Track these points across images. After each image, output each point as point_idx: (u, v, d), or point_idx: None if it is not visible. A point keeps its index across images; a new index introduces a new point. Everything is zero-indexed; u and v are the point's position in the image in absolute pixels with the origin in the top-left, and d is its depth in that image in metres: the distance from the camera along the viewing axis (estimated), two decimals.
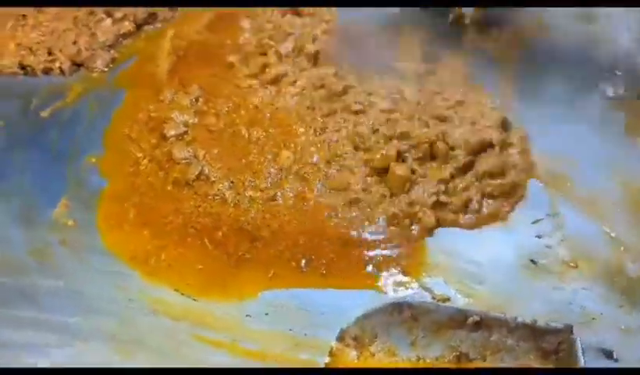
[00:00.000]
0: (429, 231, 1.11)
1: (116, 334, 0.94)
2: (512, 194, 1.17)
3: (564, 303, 1.00)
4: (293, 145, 1.21)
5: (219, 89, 1.32)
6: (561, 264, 1.06)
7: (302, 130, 1.24)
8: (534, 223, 1.13)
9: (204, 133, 1.24)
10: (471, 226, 1.12)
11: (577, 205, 1.15)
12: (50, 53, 1.39)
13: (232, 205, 1.11)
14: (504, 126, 1.27)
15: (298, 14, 1.51)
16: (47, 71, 1.38)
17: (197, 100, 1.30)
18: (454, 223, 1.13)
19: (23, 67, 1.38)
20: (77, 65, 1.40)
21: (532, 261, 1.07)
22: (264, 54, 1.39)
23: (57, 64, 1.38)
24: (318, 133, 1.23)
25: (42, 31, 1.43)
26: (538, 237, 1.10)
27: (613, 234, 1.10)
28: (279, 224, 1.09)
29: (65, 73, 1.38)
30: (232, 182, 1.14)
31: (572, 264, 1.06)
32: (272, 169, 1.16)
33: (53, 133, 1.26)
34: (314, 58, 1.37)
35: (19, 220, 1.09)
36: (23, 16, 1.45)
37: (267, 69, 1.35)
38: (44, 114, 1.29)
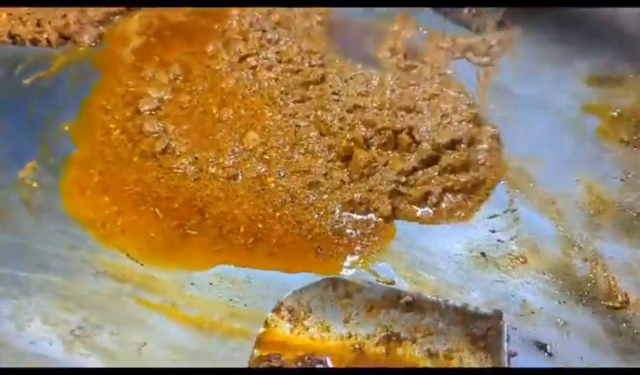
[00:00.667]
0: (385, 219, 1.12)
1: (61, 291, 0.97)
2: (474, 191, 1.18)
3: (506, 295, 1.01)
4: (260, 128, 1.22)
5: (197, 69, 1.35)
6: (510, 258, 1.06)
7: (271, 114, 1.25)
8: (490, 218, 1.13)
9: (176, 109, 1.26)
10: (428, 221, 1.13)
11: (537, 203, 1.15)
12: (39, 24, 1.43)
13: (192, 179, 1.14)
14: (476, 122, 1.28)
15: None
16: (35, 42, 1.42)
17: (175, 78, 1.33)
18: (411, 215, 1.13)
19: (12, 36, 1.42)
20: (65, 38, 1.44)
21: (482, 254, 1.07)
22: (245, 40, 1.42)
23: (45, 35, 1.42)
24: (286, 118, 1.25)
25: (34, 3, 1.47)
26: (492, 231, 1.11)
27: (567, 234, 1.10)
28: (236, 203, 1.11)
29: (52, 45, 1.42)
30: (195, 158, 1.17)
31: (521, 259, 1.06)
32: (236, 149, 1.18)
33: (33, 100, 1.29)
34: (298, 47, 1.39)
35: None
36: None
37: (246, 56, 1.38)
38: (27, 81, 1.33)
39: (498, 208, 1.15)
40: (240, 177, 1.14)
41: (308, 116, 1.25)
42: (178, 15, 1.51)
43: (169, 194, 1.11)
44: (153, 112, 1.26)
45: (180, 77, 1.34)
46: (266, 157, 1.17)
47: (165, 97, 1.29)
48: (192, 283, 1.00)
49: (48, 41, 1.42)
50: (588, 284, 1.02)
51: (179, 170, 1.15)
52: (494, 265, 1.06)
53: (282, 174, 1.15)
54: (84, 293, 0.97)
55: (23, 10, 1.45)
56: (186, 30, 1.48)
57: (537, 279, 1.03)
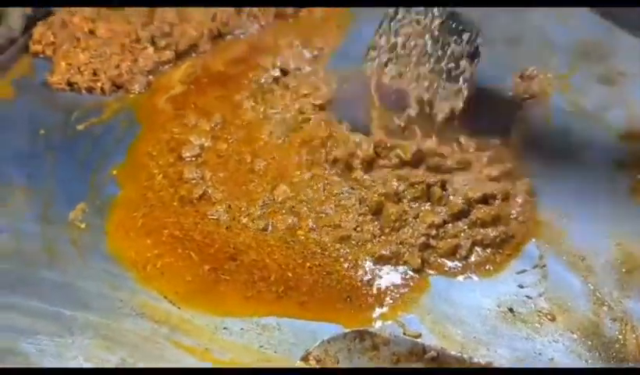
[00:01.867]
0: (415, 272, 1.14)
1: (102, 330, 1.02)
2: (505, 245, 1.19)
3: (533, 353, 1.01)
4: (291, 180, 1.27)
5: (235, 118, 1.42)
6: (538, 315, 1.07)
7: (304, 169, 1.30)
8: (519, 273, 1.14)
9: (214, 157, 1.33)
10: (457, 274, 1.15)
11: (566, 259, 1.16)
12: (94, 74, 1.54)
13: (224, 227, 1.19)
14: (511, 177, 1.30)
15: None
16: (90, 90, 1.52)
17: (215, 126, 1.40)
18: (440, 268, 1.16)
19: (69, 84, 1.52)
20: (117, 86, 1.54)
21: (510, 309, 1.08)
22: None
23: (99, 84, 1.52)
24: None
25: (91, 54, 1.57)
26: (521, 287, 1.12)
27: (597, 293, 1.10)
28: (266, 252, 1.15)
29: (105, 93, 1.52)
30: (229, 206, 1.22)
31: (549, 316, 1.06)
32: (267, 200, 1.23)
33: (85, 144, 1.38)
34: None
35: (39, 217, 1.20)
36: (77, 39, 1.61)
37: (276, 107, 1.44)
38: (80, 127, 1.42)
39: (527, 264, 1.16)
40: (270, 228, 1.19)
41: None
42: (217, 64, 1.60)
43: (205, 239, 1.17)
44: (193, 159, 1.33)
45: (219, 125, 1.40)
46: (296, 210, 1.21)
47: (206, 144, 1.36)
48: (224, 328, 1.04)
49: (102, 89, 1.52)
50: (617, 345, 1.02)
51: (214, 217, 1.21)
52: (522, 321, 1.06)
53: (312, 227, 1.19)
54: (124, 333, 1.02)
55: (82, 60, 1.55)
56: (218, 78, 1.56)
57: (565, 337, 1.03)
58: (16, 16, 1.72)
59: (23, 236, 1.17)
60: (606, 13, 1.76)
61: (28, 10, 1.76)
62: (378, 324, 1.05)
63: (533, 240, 1.19)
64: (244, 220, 1.20)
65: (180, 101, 1.48)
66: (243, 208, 1.22)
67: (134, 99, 1.51)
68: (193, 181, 1.27)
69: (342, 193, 1.24)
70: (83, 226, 1.20)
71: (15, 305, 1.05)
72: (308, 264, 1.13)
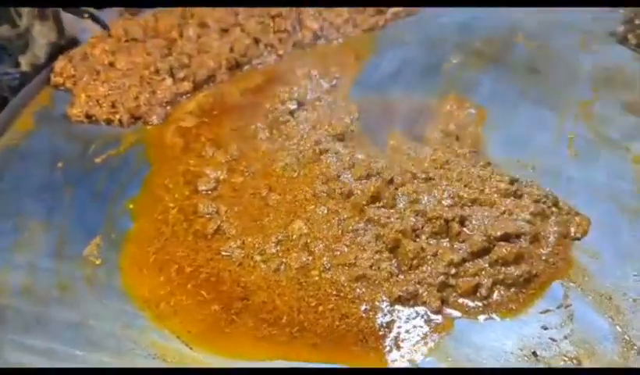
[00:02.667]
0: (434, 312, 1.10)
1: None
2: (527, 285, 1.15)
3: None
4: (306, 215, 1.25)
5: (250, 150, 1.41)
6: (563, 360, 1.02)
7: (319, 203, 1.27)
8: (542, 312, 1.10)
9: (230, 191, 1.32)
10: (478, 314, 1.11)
11: (592, 299, 1.11)
12: (113, 106, 1.55)
13: (237, 264, 1.17)
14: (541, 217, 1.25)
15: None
16: (108, 122, 1.53)
17: (231, 158, 1.39)
18: (460, 308, 1.12)
19: (88, 116, 1.54)
20: (135, 118, 1.54)
21: (534, 353, 1.03)
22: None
23: (117, 116, 1.53)
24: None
25: (110, 86, 1.59)
26: (544, 328, 1.07)
27: (625, 335, 1.05)
28: (276, 293, 1.12)
29: (123, 125, 1.53)
30: (243, 242, 1.20)
31: (575, 361, 1.02)
32: (281, 237, 1.21)
33: (102, 177, 1.38)
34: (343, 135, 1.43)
35: (53, 253, 1.20)
36: (97, 72, 1.63)
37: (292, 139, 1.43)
38: (98, 160, 1.43)
39: (551, 303, 1.11)
40: (283, 268, 1.16)
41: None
42: (233, 95, 1.60)
43: (217, 278, 1.15)
44: (209, 193, 1.32)
45: (235, 157, 1.39)
46: (310, 248, 1.18)
47: (222, 177, 1.35)
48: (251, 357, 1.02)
49: (120, 121, 1.53)
50: None
51: (227, 253, 1.19)
52: (546, 365, 1.02)
53: (326, 266, 1.16)
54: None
55: (101, 93, 1.57)
56: (240, 109, 1.55)
57: None
58: (42, 43, 1.76)
59: (37, 272, 1.17)
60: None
61: (53, 38, 1.79)
62: (394, 367, 1.02)
63: (558, 279, 1.15)
64: (257, 258, 1.18)
65: (196, 132, 1.48)
66: (257, 245, 1.20)
67: (151, 131, 1.52)
68: (208, 215, 1.26)
69: (357, 229, 1.21)
70: (98, 262, 1.19)
71: (27, 345, 1.04)
72: (321, 307, 1.10)
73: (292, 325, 1.08)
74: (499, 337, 1.06)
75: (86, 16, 1.81)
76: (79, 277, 1.16)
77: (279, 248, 1.19)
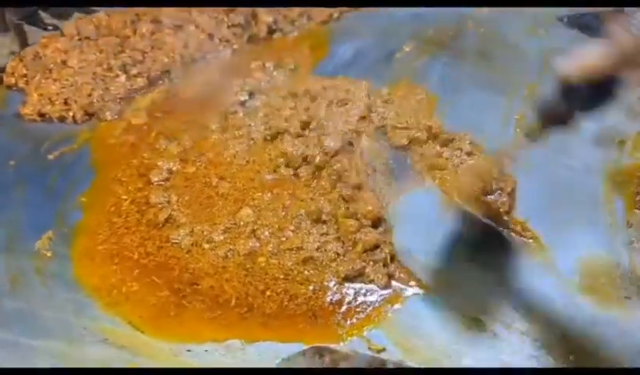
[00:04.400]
0: (381, 287, 1.13)
1: (63, 358, 1.01)
2: None
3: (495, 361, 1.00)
4: (254, 203, 1.27)
5: (203, 141, 1.43)
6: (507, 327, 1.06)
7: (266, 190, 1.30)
8: None
9: (182, 181, 1.33)
10: (424, 287, 1.14)
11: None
12: (66, 103, 1.55)
13: (185, 251, 1.19)
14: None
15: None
16: (61, 119, 1.53)
17: (184, 150, 1.40)
18: (406, 281, 1.14)
19: (41, 115, 1.53)
20: (89, 115, 1.54)
21: (476, 319, 1.07)
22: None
23: (71, 113, 1.53)
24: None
25: (63, 84, 1.59)
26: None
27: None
28: (225, 278, 1.14)
29: (77, 121, 1.53)
30: (192, 230, 1.22)
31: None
32: (229, 225, 1.23)
33: (55, 173, 1.38)
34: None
35: (4, 248, 1.20)
36: (49, 70, 1.63)
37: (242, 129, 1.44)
38: (51, 156, 1.43)
39: None
40: (231, 254, 1.18)
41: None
42: (187, 89, 1.61)
43: (168, 264, 1.17)
44: (161, 183, 1.33)
45: (187, 148, 1.41)
46: (259, 234, 1.21)
47: (174, 168, 1.36)
48: (188, 351, 1.03)
49: (73, 118, 1.53)
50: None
51: (177, 241, 1.20)
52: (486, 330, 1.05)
53: (274, 252, 1.18)
54: (86, 361, 1.01)
55: (53, 90, 1.57)
56: (193, 103, 1.56)
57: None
58: (4, 54, 1.75)
59: None
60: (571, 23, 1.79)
61: (15, 49, 1.78)
62: (342, 341, 1.04)
63: None
64: (206, 245, 1.20)
65: (148, 127, 1.49)
66: (205, 233, 1.21)
67: (105, 127, 1.52)
68: (160, 205, 1.27)
69: (301, 214, 1.23)
70: (49, 254, 1.20)
71: None
72: (269, 292, 1.12)
73: (241, 307, 1.10)
74: (445, 307, 1.09)
75: (50, 28, 1.81)
76: (29, 270, 1.16)
77: (226, 235, 1.21)
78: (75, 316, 1.08)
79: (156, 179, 1.34)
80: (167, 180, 1.34)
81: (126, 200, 1.30)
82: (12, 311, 1.09)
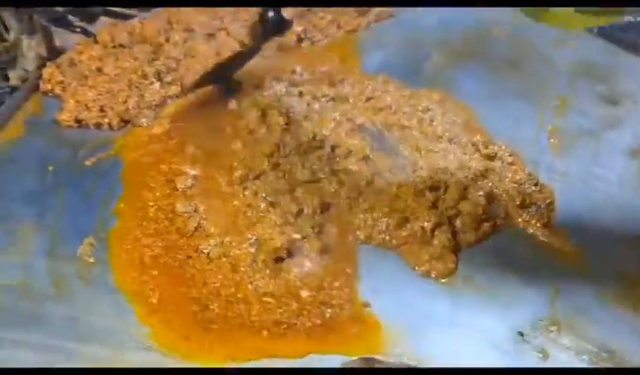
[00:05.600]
0: None
1: (107, 363, 1.03)
2: None
3: None
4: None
5: (224, 147, 1.45)
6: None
7: None
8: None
9: (208, 188, 1.35)
10: None
11: None
12: (102, 110, 1.57)
13: (214, 262, 1.21)
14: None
15: None
16: (98, 125, 1.55)
17: (208, 157, 1.42)
18: None
19: (78, 121, 1.56)
20: (125, 121, 1.57)
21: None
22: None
23: (106, 119, 1.55)
24: None
25: (99, 91, 1.61)
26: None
27: None
28: (255, 296, 1.16)
29: (113, 128, 1.55)
30: (220, 241, 1.23)
31: None
32: (258, 235, 1.24)
33: (93, 179, 1.40)
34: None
35: (47, 253, 1.22)
36: (85, 77, 1.65)
37: None
38: (89, 162, 1.45)
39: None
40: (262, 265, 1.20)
41: None
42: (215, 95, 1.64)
43: (197, 274, 1.19)
44: (186, 191, 1.35)
45: (212, 155, 1.43)
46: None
47: (199, 175, 1.38)
48: (233, 359, 1.05)
49: (109, 124, 1.55)
50: None
51: (204, 252, 1.22)
52: None
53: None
54: (131, 365, 1.03)
55: (89, 97, 1.59)
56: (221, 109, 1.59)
57: None
58: (31, 57, 1.78)
59: (31, 272, 1.18)
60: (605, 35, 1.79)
61: (42, 52, 1.82)
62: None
63: None
64: (234, 252, 1.22)
65: (174, 133, 1.51)
66: (234, 244, 1.23)
67: (140, 132, 1.54)
68: (187, 214, 1.29)
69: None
70: (91, 260, 1.21)
71: (22, 340, 1.06)
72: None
73: (280, 325, 1.11)
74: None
75: (77, 30, 1.84)
76: (72, 275, 1.18)
77: (256, 247, 1.22)
78: (119, 321, 1.10)
79: (182, 186, 1.36)
80: (192, 187, 1.36)
81: (153, 207, 1.32)
82: (56, 316, 1.11)
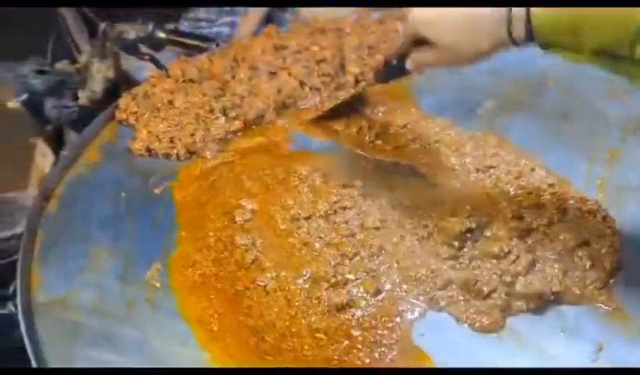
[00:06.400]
0: None
1: None
2: None
3: None
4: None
5: (289, 176, 1.56)
6: None
7: None
8: None
9: (264, 222, 1.43)
10: None
11: None
12: (171, 141, 1.69)
13: (271, 295, 1.28)
14: None
15: None
16: (167, 156, 1.67)
17: (265, 191, 1.52)
18: None
19: (149, 150, 1.68)
20: (191, 153, 1.68)
21: None
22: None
23: (175, 150, 1.67)
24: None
25: (169, 123, 1.73)
26: None
27: None
28: (308, 333, 1.22)
29: (180, 159, 1.67)
30: (276, 276, 1.31)
31: None
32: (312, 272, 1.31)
33: (161, 207, 1.52)
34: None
35: (120, 276, 1.33)
36: (157, 109, 1.78)
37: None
38: (157, 190, 1.57)
39: None
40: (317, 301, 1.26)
41: None
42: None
43: (254, 306, 1.27)
44: (244, 223, 1.44)
45: (272, 187, 1.52)
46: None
47: (256, 208, 1.47)
48: None
49: (177, 155, 1.67)
50: None
51: (260, 285, 1.30)
52: None
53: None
54: None
55: (160, 129, 1.72)
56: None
57: None
58: (99, 79, 1.94)
59: (103, 293, 1.30)
60: None
61: (110, 75, 1.97)
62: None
63: None
64: (289, 287, 1.29)
65: (239, 165, 1.62)
66: (289, 279, 1.30)
67: (203, 163, 1.65)
68: (244, 247, 1.37)
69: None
70: (158, 285, 1.32)
71: (96, 358, 1.17)
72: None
73: (330, 361, 1.17)
74: None
75: (146, 57, 1.99)
76: (140, 298, 1.29)
77: (312, 284, 1.29)
78: (182, 346, 1.19)
79: (239, 219, 1.45)
80: (249, 220, 1.44)
81: (212, 237, 1.41)
82: (127, 338, 1.21)
